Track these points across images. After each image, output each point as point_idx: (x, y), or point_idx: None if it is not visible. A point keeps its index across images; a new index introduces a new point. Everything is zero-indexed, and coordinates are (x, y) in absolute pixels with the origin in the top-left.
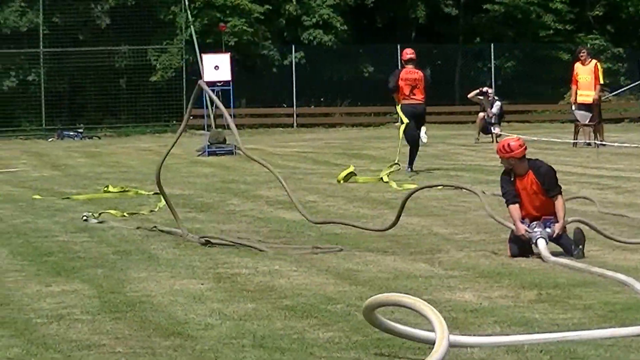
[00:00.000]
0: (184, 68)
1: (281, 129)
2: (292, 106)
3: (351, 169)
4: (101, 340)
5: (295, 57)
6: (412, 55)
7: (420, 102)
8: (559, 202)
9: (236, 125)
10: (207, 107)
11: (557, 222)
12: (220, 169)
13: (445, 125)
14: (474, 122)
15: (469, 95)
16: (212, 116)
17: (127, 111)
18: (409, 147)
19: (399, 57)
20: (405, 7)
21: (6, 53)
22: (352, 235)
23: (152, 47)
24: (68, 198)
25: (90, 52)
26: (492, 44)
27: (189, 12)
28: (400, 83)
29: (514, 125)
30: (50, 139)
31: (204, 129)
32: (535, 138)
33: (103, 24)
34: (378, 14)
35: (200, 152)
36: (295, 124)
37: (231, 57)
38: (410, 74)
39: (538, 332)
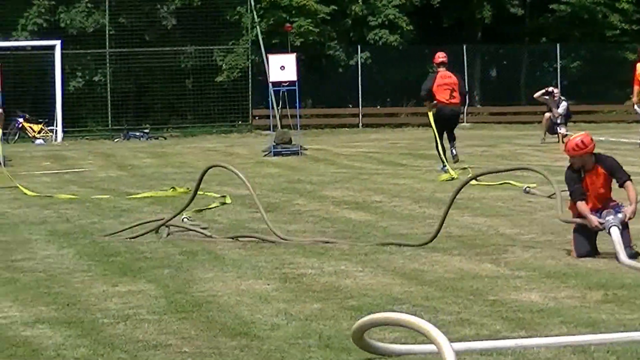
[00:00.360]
0: (249, 68)
1: (347, 129)
2: (358, 106)
3: (454, 174)
4: (168, 340)
5: (361, 57)
6: (444, 59)
7: (458, 104)
8: (629, 187)
9: (301, 126)
10: (272, 108)
11: (625, 207)
12: (286, 169)
13: (511, 126)
14: (540, 122)
15: (535, 95)
16: (277, 116)
17: (192, 111)
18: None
19: (465, 58)
20: (471, 8)
21: (73, 54)
22: (418, 235)
23: (218, 48)
24: (130, 197)
25: (156, 52)
26: (558, 44)
27: (254, 13)
28: (437, 88)
29: (580, 125)
30: (117, 140)
31: (269, 129)
32: (602, 138)
33: (169, 25)
34: (444, 15)
35: (266, 153)
36: (360, 124)
37: (297, 58)
38: (445, 77)
39: (604, 332)
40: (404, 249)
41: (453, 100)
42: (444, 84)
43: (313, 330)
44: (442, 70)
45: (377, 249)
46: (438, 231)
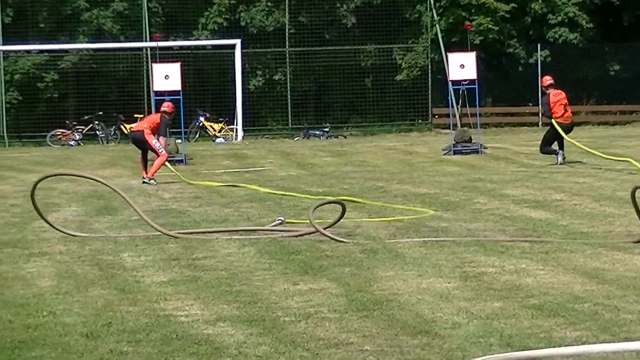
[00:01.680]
0: (429, 67)
1: (526, 127)
2: (537, 104)
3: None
4: (349, 339)
5: (541, 55)
6: (552, 81)
7: (571, 118)
8: None
9: (481, 125)
10: (452, 106)
11: None
12: (466, 167)
13: None
14: None
15: None
16: (457, 115)
17: (372, 110)
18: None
19: None
20: None
21: (253, 53)
22: (600, 233)
23: (398, 46)
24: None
25: (336, 51)
26: None
27: (434, 11)
28: (554, 106)
29: None
30: (296, 138)
31: (449, 128)
32: None
33: (349, 23)
34: (624, 12)
35: (446, 151)
36: (540, 123)
37: (476, 56)
38: (557, 95)
39: None
40: (584, 247)
41: (566, 114)
42: (557, 101)
43: (494, 329)
44: (552, 90)
45: (557, 247)
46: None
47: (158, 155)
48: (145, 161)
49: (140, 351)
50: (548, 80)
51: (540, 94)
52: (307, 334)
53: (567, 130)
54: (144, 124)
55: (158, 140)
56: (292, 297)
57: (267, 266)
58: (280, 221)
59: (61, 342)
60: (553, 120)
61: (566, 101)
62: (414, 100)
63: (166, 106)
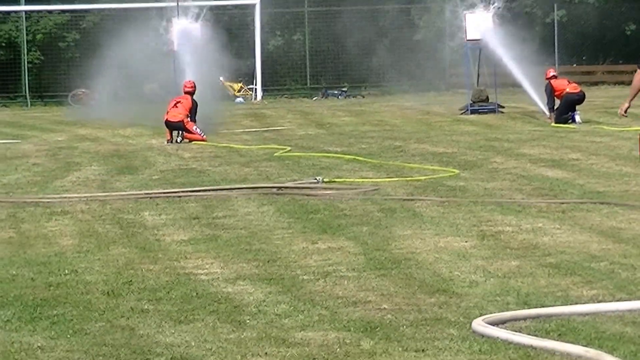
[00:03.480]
0: (446, 27)
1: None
2: (554, 64)
3: None
4: (367, 297)
5: (557, 14)
6: (555, 73)
7: (579, 88)
8: None
9: (498, 85)
10: (468, 66)
11: None
12: (483, 127)
13: None
14: None
15: None
16: (474, 75)
17: (390, 70)
18: None
19: None
20: None
21: (272, 12)
22: (616, 193)
23: (416, 6)
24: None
25: (354, 10)
26: None
27: None
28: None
29: None
30: (315, 98)
31: (466, 88)
32: None
33: None
34: None
35: (462, 111)
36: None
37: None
38: (558, 82)
39: None
40: (600, 206)
41: (572, 85)
42: (559, 86)
43: (511, 287)
44: (554, 80)
45: (574, 206)
46: None
47: (202, 140)
48: (171, 135)
49: (160, 309)
50: (552, 72)
51: (556, 53)
52: (326, 293)
53: (580, 99)
54: (180, 112)
55: (195, 123)
56: (311, 256)
57: (286, 225)
58: (317, 180)
59: (83, 300)
60: (552, 122)
61: (568, 81)
62: (431, 60)
63: (190, 86)
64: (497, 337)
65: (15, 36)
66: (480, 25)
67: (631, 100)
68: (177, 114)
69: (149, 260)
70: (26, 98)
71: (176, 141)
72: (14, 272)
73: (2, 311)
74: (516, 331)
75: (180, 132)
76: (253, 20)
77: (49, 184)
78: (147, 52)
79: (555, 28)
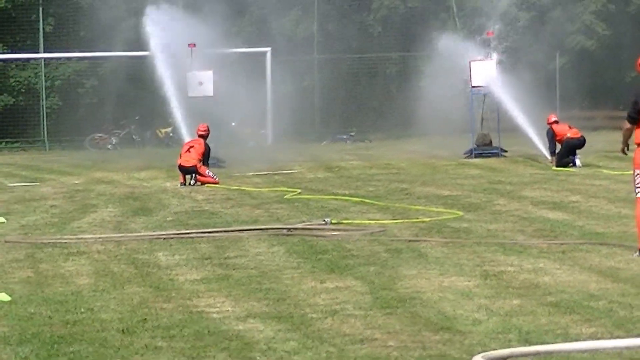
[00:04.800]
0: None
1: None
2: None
3: None
4: (373, 335)
5: (560, 62)
6: (556, 118)
7: (580, 134)
8: None
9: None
10: (472, 111)
11: None
12: (486, 170)
13: None
14: None
15: None
16: (478, 119)
17: (397, 114)
18: None
19: None
20: None
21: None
22: (615, 234)
23: (420, 54)
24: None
25: (361, 58)
26: None
27: (457, 20)
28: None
29: None
30: (324, 143)
31: (470, 132)
32: None
33: (375, 32)
34: None
35: (467, 155)
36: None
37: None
38: (559, 128)
39: None
40: (599, 247)
41: (574, 130)
42: (561, 131)
43: (513, 325)
44: (555, 125)
45: (574, 247)
46: None
47: (215, 183)
48: (184, 178)
49: (173, 346)
50: (553, 117)
51: (558, 100)
52: (334, 330)
53: (580, 144)
54: (193, 157)
55: (208, 168)
56: (319, 295)
57: (296, 265)
58: (325, 222)
59: (98, 337)
60: (554, 165)
61: (569, 126)
62: (437, 105)
63: (203, 130)
64: None
65: (35, 82)
66: (485, 72)
67: (625, 142)
68: (190, 159)
69: (162, 299)
70: (45, 142)
71: (189, 184)
72: (32, 310)
73: (21, 348)
74: None
75: (193, 175)
76: (264, 68)
77: (66, 225)
78: (161, 96)
79: (557, 75)
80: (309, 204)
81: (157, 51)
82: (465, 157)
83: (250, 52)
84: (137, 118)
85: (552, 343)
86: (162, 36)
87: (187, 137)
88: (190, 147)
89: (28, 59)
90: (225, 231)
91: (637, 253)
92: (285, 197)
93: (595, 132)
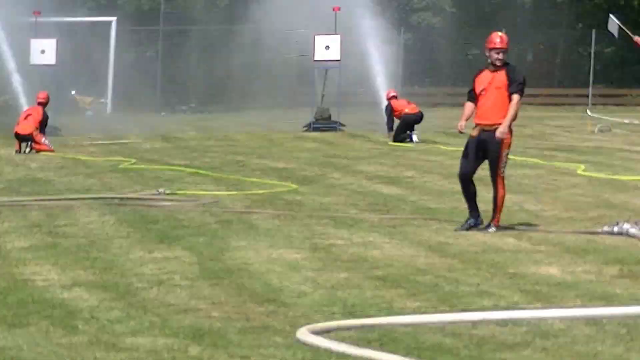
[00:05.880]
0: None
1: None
2: (397, 84)
3: None
4: (198, 305)
5: (404, 37)
6: (395, 93)
7: (418, 109)
8: (512, 101)
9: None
10: (314, 85)
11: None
12: (323, 144)
13: (544, 107)
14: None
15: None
16: (319, 94)
17: (238, 88)
18: None
19: None
20: None
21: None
22: (447, 209)
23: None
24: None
25: (207, 30)
26: (593, 30)
27: None
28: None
29: (609, 108)
30: (163, 114)
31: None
32: (627, 121)
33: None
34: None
35: (305, 128)
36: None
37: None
38: (396, 104)
39: (617, 306)
40: (430, 222)
41: (412, 106)
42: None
43: (338, 298)
44: (394, 101)
45: (405, 221)
46: None
47: (50, 151)
48: (20, 146)
49: None
50: (392, 92)
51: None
52: (158, 300)
53: (418, 119)
54: (30, 125)
55: (45, 136)
56: (147, 265)
57: (125, 234)
58: (159, 192)
59: None
60: (389, 140)
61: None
62: (279, 78)
63: (42, 98)
64: (319, 346)
65: None
66: (329, 47)
67: (465, 119)
68: (27, 127)
69: None
70: None
71: (24, 152)
72: None
73: None
74: (340, 340)
75: (29, 143)
76: (108, 37)
77: None
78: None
79: (402, 50)
80: (144, 174)
81: None
82: (304, 131)
83: (95, 21)
84: None
85: (377, 316)
86: (5, 2)
87: (25, 105)
88: (28, 114)
89: None
90: (56, 199)
91: (494, 228)
92: (120, 166)
93: (434, 108)
